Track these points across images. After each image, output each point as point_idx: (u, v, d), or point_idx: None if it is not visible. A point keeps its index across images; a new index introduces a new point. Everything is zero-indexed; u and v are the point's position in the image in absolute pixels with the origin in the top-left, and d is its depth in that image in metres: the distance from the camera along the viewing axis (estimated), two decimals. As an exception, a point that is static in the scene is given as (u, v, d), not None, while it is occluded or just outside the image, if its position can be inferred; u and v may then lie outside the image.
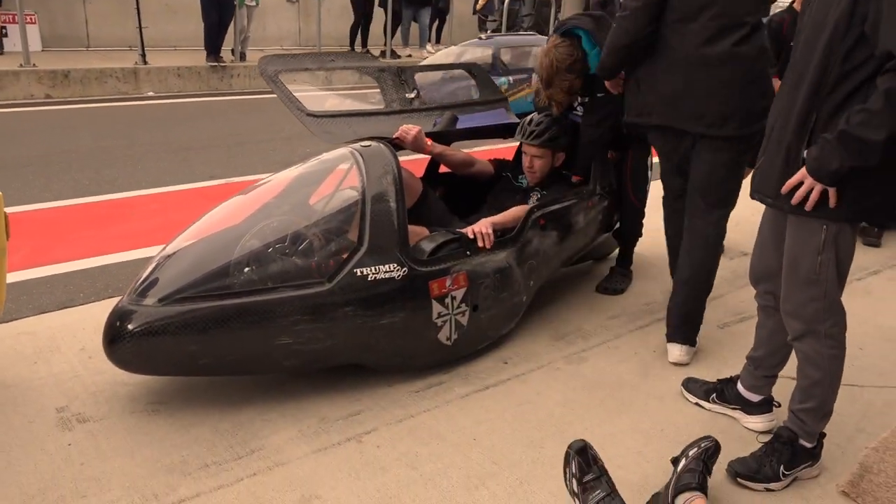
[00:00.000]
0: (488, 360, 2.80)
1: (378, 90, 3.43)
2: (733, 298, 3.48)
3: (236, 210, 2.61)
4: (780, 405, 2.39)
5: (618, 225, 3.54)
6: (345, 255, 2.42)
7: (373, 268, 2.41)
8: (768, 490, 2.12)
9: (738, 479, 2.13)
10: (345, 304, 2.36)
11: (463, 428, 2.36)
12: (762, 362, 2.35)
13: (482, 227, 2.76)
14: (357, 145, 2.71)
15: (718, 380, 2.55)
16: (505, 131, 3.54)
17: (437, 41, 12.73)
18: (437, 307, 2.55)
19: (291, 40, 11.92)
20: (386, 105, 3.34)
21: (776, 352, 2.31)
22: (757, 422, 2.40)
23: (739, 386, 2.43)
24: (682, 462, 2.01)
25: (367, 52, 10.60)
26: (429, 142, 3.02)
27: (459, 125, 3.40)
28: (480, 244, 2.72)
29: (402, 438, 2.29)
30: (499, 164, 3.40)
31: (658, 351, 2.91)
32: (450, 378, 2.65)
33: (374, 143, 2.71)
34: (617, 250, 3.66)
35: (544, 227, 3.00)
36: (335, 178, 2.72)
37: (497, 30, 12.25)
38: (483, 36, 7.98)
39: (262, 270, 2.34)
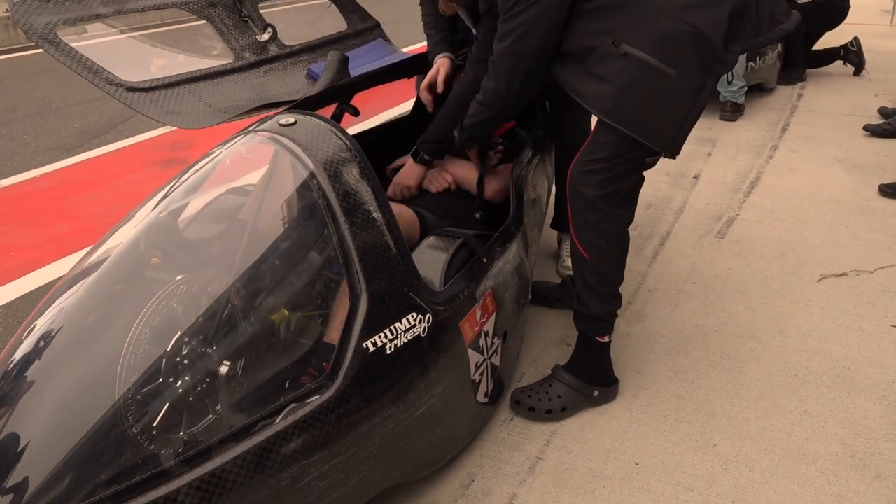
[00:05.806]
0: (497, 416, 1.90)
1: (215, 34, 2.25)
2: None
3: (94, 290, 1.39)
4: None
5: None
6: (336, 326, 1.38)
7: (387, 330, 1.39)
8: None
9: None
10: (366, 408, 1.34)
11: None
12: None
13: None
14: (271, 125, 1.58)
15: None
16: (410, 69, 2.54)
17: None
18: (473, 357, 1.63)
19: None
20: (236, 56, 2.20)
21: None
22: None
23: None
24: None
25: None
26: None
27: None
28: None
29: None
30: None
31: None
32: (470, 468, 1.72)
33: (296, 116, 1.60)
34: None
35: (531, 192, 2.15)
36: (255, 194, 1.60)
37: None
38: None
39: (200, 409, 1.22)
